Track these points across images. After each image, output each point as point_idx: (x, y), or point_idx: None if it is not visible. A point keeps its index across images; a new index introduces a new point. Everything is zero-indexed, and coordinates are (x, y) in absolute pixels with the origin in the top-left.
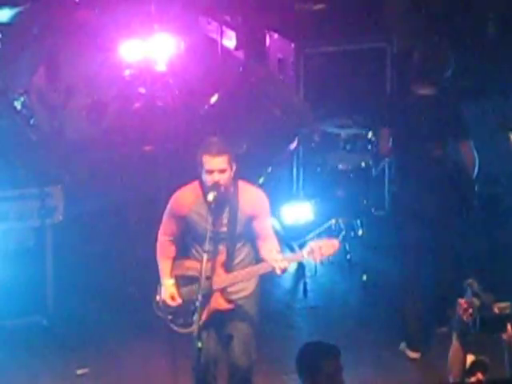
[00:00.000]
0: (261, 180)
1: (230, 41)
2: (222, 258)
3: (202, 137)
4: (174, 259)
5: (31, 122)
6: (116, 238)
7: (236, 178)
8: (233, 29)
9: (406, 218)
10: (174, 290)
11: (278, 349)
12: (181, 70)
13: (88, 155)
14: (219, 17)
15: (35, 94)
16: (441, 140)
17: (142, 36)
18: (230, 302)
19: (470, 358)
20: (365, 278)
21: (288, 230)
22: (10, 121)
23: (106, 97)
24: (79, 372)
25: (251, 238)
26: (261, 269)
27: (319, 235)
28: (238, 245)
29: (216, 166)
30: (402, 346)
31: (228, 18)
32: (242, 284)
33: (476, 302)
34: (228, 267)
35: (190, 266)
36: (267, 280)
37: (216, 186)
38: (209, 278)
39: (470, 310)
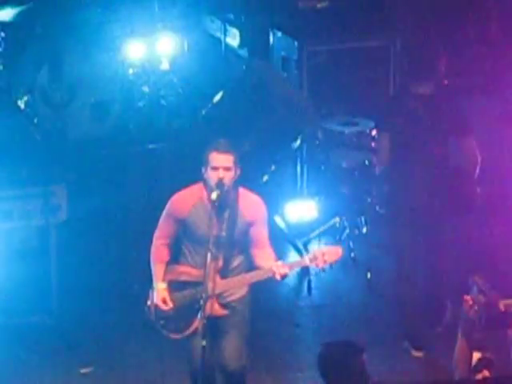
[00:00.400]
0: (265, 178)
1: (233, 39)
2: (219, 263)
3: (206, 135)
4: (167, 263)
5: (35, 121)
6: (120, 236)
7: (237, 184)
8: (236, 27)
9: (406, 217)
10: (166, 294)
11: (282, 347)
12: (184, 69)
13: (91, 154)
14: (222, 15)
15: (39, 93)
16: (441, 139)
17: (145, 35)
18: (224, 307)
19: (476, 355)
20: (369, 275)
21: (292, 228)
22: (13, 120)
23: (110, 96)
24: (83, 371)
25: (247, 246)
26: (259, 275)
27: (323, 233)
28: (235, 251)
29: (222, 162)
30: (406, 344)
31: (231, 17)
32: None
33: (482, 299)
34: (224, 273)
35: (184, 271)
36: (272, 278)
37: (220, 183)
38: (206, 283)
39: (476, 307)
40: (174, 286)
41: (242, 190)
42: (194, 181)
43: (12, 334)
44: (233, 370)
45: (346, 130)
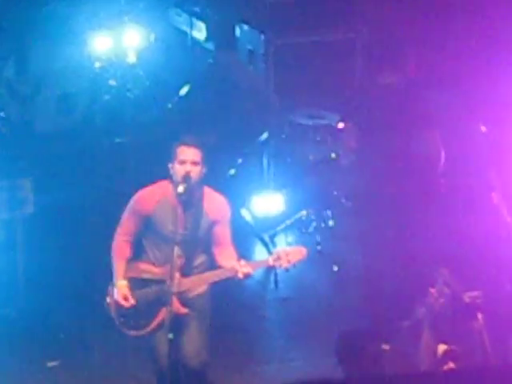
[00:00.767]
0: (232, 171)
1: (199, 32)
2: (181, 261)
3: (172, 128)
4: (128, 260)
5: (1, 114)
6: (86, 230)
7: (203, 183)
8: (203, 20)
9: (371, 209)
10: (127, 290)
11: (250, 340)
12: (151, 62)
13: (58, 147)
14: (189, 8)
15: (5, 86)
16: (404, 130)
17: (111, 28)
18: (185, 305)
19: (442, 348)
20: (335, 268)
21: (259, 221)
22: None
23: (76, 89)
24: (50, 364)
25: (209, 245)
26: (221, 274)
27: (290, 226)
28: (198, 250)
29: (190, 156)
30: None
31: (198, 10)
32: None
33: (447, 291)
34: (186, 271)
35: (145, 269)
36: None
37: (187, 176)
38: (169, 281)
39: (441, 300)
40: (135, 284)
41: (207, 190)
42: (160, 174)
43: None
44: (193, 365)
45: (313, 123)
